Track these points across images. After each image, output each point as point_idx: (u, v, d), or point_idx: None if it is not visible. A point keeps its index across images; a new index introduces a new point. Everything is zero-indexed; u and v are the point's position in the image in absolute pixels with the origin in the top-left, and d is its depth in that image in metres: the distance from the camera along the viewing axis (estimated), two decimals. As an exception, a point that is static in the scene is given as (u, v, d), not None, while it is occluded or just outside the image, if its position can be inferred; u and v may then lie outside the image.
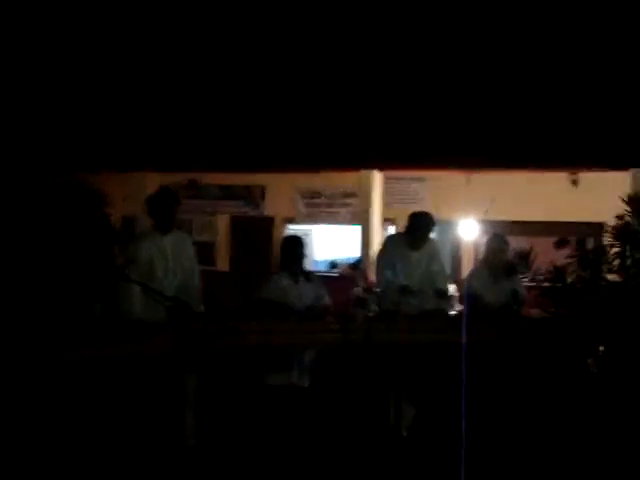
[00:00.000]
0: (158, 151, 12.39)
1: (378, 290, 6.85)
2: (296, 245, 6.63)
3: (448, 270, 14.15)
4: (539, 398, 6.39)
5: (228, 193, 15.36)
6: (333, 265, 15.19)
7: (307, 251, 6.73)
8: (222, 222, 15.48)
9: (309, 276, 6.71)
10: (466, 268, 11.89)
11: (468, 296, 6.91)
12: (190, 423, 6.15)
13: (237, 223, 15.44)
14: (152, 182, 12.99)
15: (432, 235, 7.37)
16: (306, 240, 6.86)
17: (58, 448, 5.12)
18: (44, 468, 5.02)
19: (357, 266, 5.86)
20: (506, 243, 7.42)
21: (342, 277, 14.08)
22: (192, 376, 6.18)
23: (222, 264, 15.44)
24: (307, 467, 6.02)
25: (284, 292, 6.48)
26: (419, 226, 7.08)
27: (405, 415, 6.79)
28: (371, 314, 5.93)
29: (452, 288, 11.56)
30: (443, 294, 7.11)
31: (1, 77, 9.88)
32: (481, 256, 7.66)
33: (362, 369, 6.19)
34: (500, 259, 7.33)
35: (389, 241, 7.47)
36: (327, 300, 6.73)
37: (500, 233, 7.78)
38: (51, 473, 5.05)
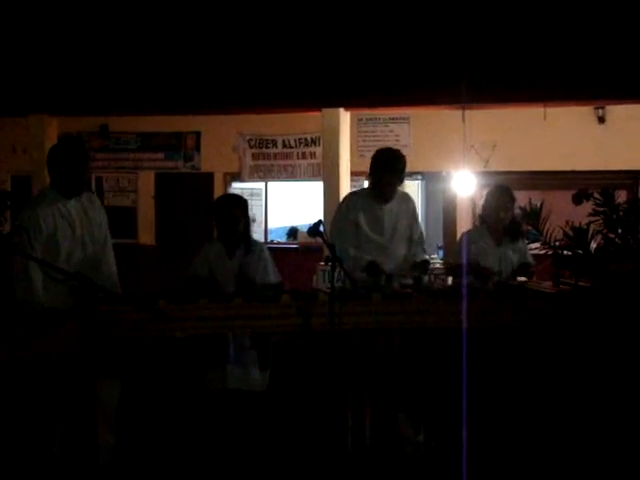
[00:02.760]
0: (58, 89, 12.28)
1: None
2: (230, 206, 6.58)
3: (440, 235, 14.50)
4: (561, 399, 6.46)
5: (151, 143, 15.29)
6: (292, 233, 15.22)
7: (247, 214, 6.69)
8: (144, 181, 15.41)
9: (250, 246, 6.69)
10: (461, 231, 11.95)
11: (463, 264, 6.93)
12: (107, 437, 6.13)
13: (164, 182, 15.38)
14: (52, 129, 12.93)
15: (403, 187, 7.38)
16: (247, 200, 6.81)
17: None
18: None
19: (317, 231, 5.79)
20: (511, 197, 7.45)
21: (304, 248, 14.15)
22: (111, 380, 6.15)
23: (145, 236, 15.40)
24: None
25: (213, 267, 6.52)
26: (387, 164, 7.00)
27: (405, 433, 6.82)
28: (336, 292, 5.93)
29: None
30: (425, 267, 7.13)
31: None
32: (479, 214, 7.67)
33: (327, 365, 6.20)
34: (503, 218, 7.36)
35: (347, 200, 7.37)
36: (276, 277, 6.71)
37: (503, 185, 7.82)
38: None
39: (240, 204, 6.61)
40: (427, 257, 7.41)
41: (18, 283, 5.93)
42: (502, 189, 7.54)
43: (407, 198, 7.33)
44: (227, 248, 6.57)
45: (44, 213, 6.09)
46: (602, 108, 12.83)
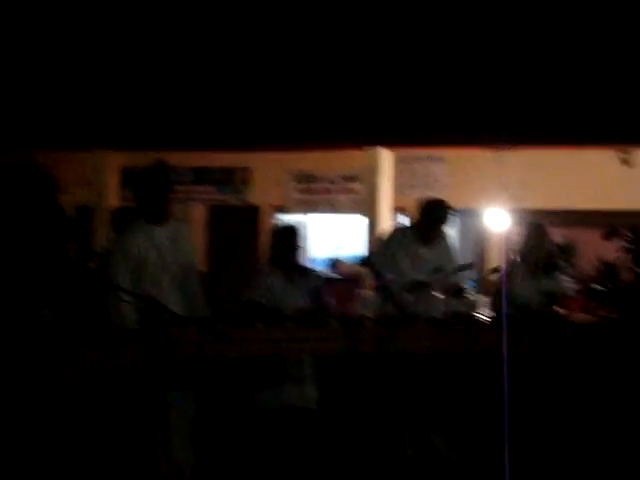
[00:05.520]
0: (119, 126, 12.41)
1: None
2: (290, 235, 6.70)
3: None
4: (597, 425, 6.45)
5: (204, 177, 15.32)
6: (334, 263, 15.21)
7: (301, 242, 6.78)
8: (197, 212, 15.43)
9: (305, 271, 6.78)
10: (491, 265, 11.92)
11: (502, 295, 6.95)
12: (185, 456, 6.12)
13: (215, 213, 15.45)
14: (112, 163, 13.05)
15: (446, 228, 7.52)
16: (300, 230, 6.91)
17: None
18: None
19: (368, 263, 5.88)
20: (546, 234, 7.49)
21: (345, 278, 14.12)
22: (187, 398, 6.15)
23: (198, 263, 15.37)
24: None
25: (275, 292, 6.55)
26: (431, 215, 7.24)
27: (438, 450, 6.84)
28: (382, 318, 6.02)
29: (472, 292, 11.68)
30: (459, 292, 7.24)
31: None
32: (517, 248, 7.70)
33: (373, 387, 6.23)
34: (539, 252, 7.39)
35: (393, 236, 7.60)
36: (328, 299, 6.78)
37: (539, 222, 7.85)
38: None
39: (299, 233, 6.75)
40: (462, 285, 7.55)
41: (112, 310, 5.96)
42: (538, 225, 7.60)
43: (445, 236, 7.53)
44: (286, 274, 6.64)
45: (132, 239, 6.16)
46: (626, 152, 12.79)
